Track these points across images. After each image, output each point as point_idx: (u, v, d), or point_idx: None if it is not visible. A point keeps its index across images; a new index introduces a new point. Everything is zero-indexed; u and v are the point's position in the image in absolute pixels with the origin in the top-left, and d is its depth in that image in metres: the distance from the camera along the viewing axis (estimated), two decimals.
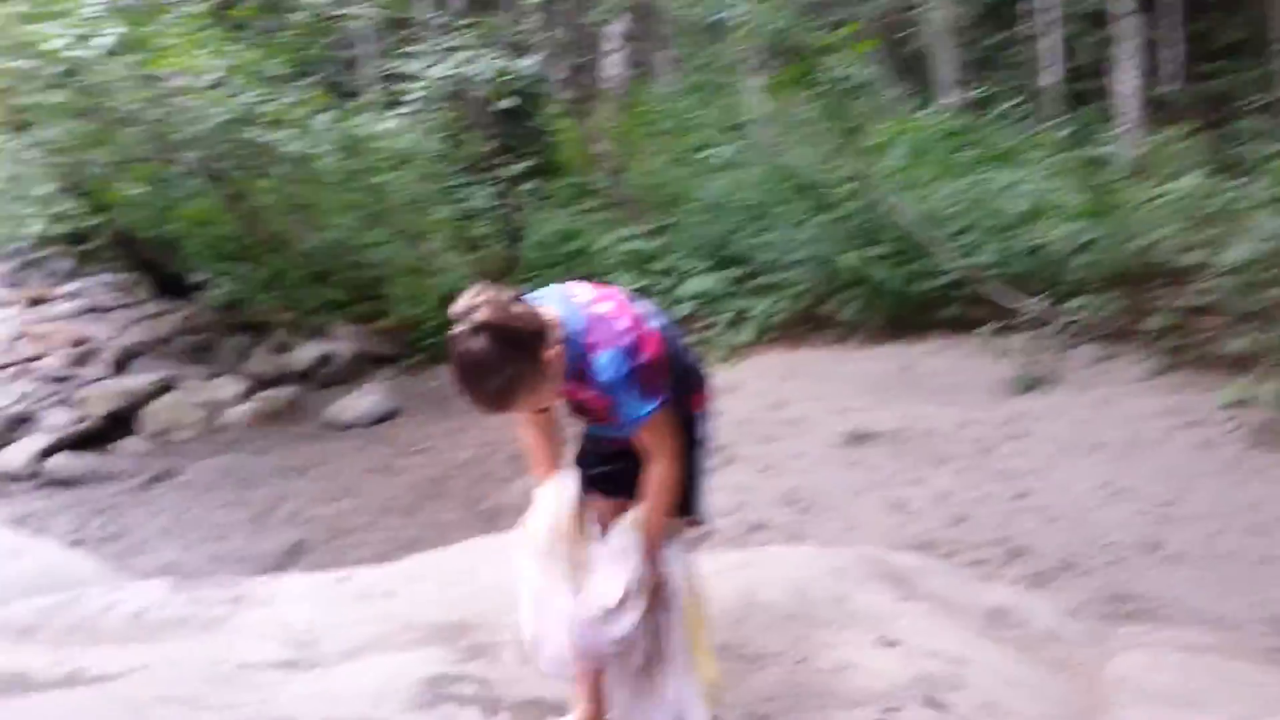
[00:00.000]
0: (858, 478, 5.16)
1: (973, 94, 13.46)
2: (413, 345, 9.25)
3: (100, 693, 2.44)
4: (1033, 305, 7.27)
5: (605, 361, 2.00)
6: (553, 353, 1.95)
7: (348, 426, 7.78)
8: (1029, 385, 6.54)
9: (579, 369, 2.02)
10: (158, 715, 2.29)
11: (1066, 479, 5.02)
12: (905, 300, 7.99)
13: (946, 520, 4.57)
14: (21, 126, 8.02)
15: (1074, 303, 7.21)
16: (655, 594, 2.15)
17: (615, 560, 2.13)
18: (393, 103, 9.81)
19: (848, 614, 2.84)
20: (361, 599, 3.33)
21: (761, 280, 8.52)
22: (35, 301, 12.31)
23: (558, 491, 2.24)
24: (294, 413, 8.26)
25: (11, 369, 9.79)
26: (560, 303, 2.06)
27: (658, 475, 2.12)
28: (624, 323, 2.05)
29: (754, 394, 6.81)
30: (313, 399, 8.62)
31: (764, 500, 4.98)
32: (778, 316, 8.00)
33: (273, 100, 8.19)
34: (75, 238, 11.40)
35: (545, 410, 2.22)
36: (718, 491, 5.20)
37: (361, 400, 7.98)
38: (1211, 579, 3.90)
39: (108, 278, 13.60)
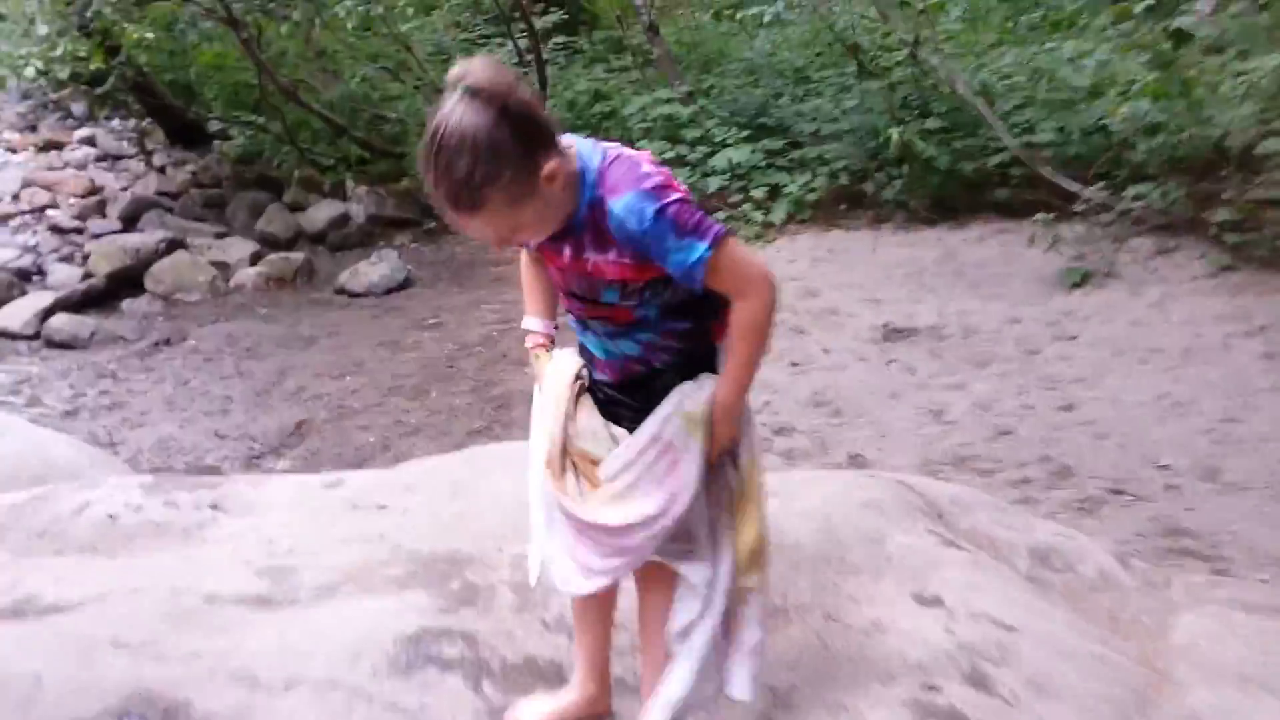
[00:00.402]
0: (892, 379, 4.83)
1: None
2: (430, 209, 8.86)
3: (49, 629, 2.20)
4: (1090, 191, 6.75)
5: (625, 206, 1.50)
6: (554, 165, 1.49)
7: (359, 295, 7.49)
8: (1080, 279, 6.09)
9: (592, 219, 1.56)
10: (106, 663, 2.05)
11: (1117, 389, 4.66)
12: (952, 180, 7.49)
13: (987, 432, 4.25)
14: None
15: (1135, 189, 6.68)
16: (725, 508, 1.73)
17: (656, 469, 1.67)
18: None
19: (883, 559, 2.55)
20: (350, 510, 3.06)
21: (799, 153, 8.00)
22: (47, 146, 11.94)
23: (557, 373, 1.79)
24: (305, 278, 7.98)
25: (19, 218, 9.52)
26: (579, 141, 1.61)
27: (747, 320, 1.61)
28: (650, 167, 1.56)
29: (784, 279, 6.37)
30: (325, 263, 8.33)
31: (791, 401, 4.67)
32: (814, 193, 7.52)
33: None
34: (91, 80, 10.91)
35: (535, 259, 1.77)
36: None
37: (375, 268, 7.66)
38: (1277, 514, 3.58)
39: (121, 124, 13.20)
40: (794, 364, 5.07)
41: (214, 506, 3.07)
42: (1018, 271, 6.28)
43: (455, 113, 1.43)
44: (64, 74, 9.24)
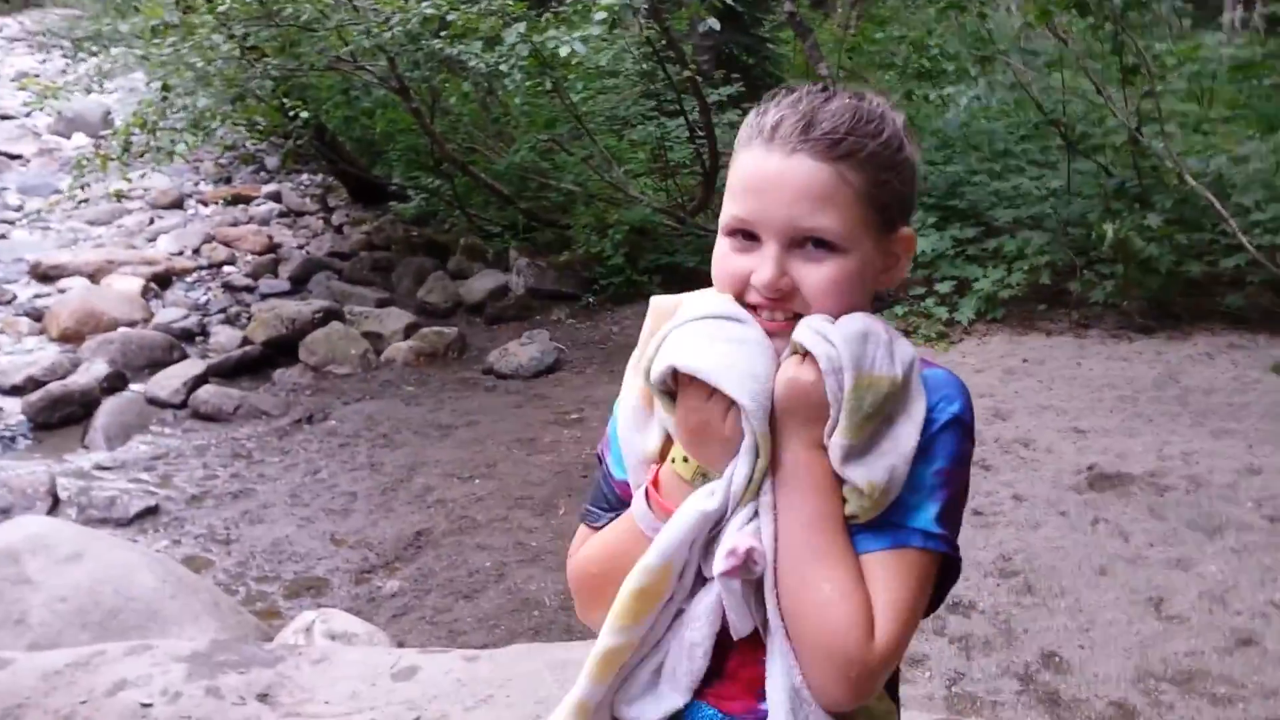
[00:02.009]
0: (1099, 545, 3.99)
1: (1263, 10, 11.24)
2: (590, 284, 8.49)
3: None
4: None
5: (938, 378, 1.15)
6: (909, 233, 1.20)
7: (507, 376, 7.13)
8: None
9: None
10: None
11: None
12: (1174, 282, 6.51)
13: (1222, 638, 3.37)
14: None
15: None
16: None
17: None
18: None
19: None
20: (411, 710, 2.57)
21: (994, 242, 7.17)
22: (235, 200, 12.33)
23: None
24: (456, 353, 7.70)
25: (196, 274, 9.72)
26: None
27: (849, 626, 1.06)
28: None
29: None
30: (479, 336, 8.05)
31: (972, 564, 3.90)
32: (1009, 290, 6.67)
33: (465, 6, 7.39)
34: (285, 135, 11.20)
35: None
36: None
37: (525, 349, 7.29)
38: None
39: (309, 179, 13.56)
40: (977, 513, 4.29)
41: (262, 697, 2.62)
42: (1256, 401, 5.28)
43: (875, 103, 1.19)
44: (270, 127, 9.37)
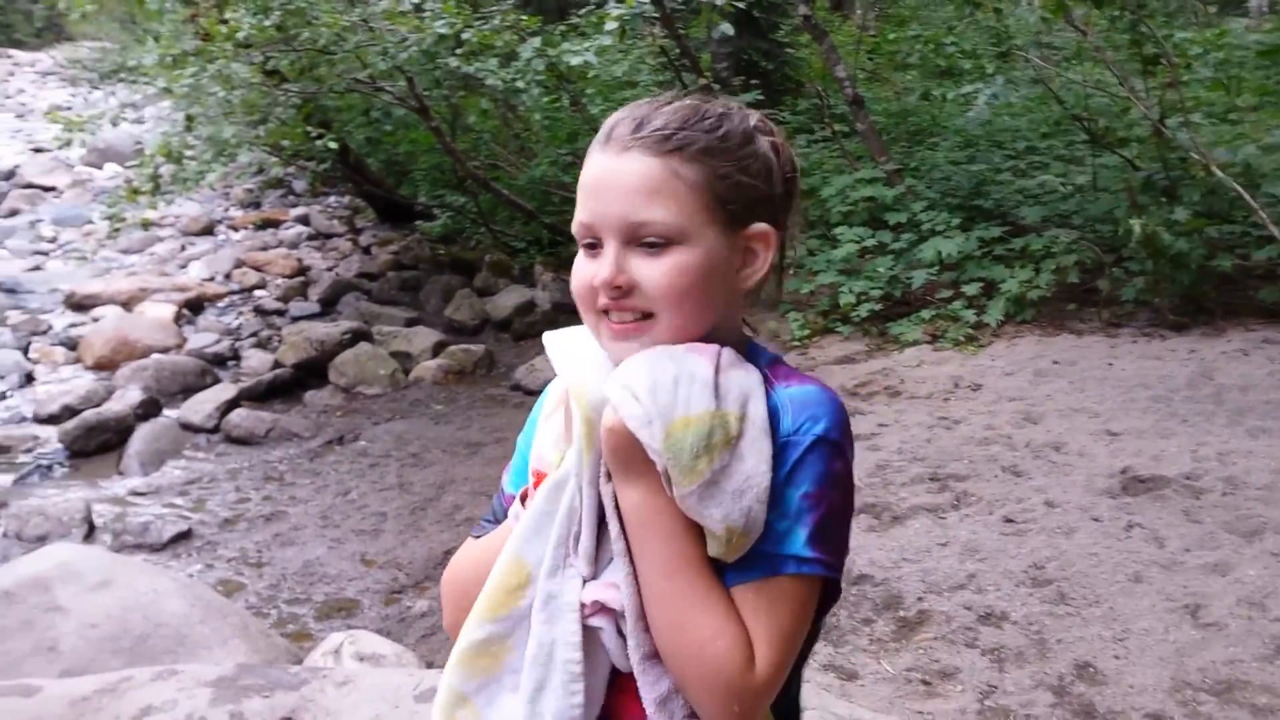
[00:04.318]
0: (1134, 551, 3.91)
1: None
2: None
3: None
4: None
5: (805, 396, 1.12)
6: (765, 229, 1.17)
7: (534, 392, 7.11)
8: None
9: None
10: None
11: None
12: (1206, 277, 6.40)
13: (1262, 645, 3.29)
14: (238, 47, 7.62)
15: None
16: None
17: None
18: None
19: None
20: None
21: (1020, 242, 7.09)
22: (264, 224, 12.47)
23: None
24: (484, 369, 7.74)
25: (228, 299, 9.84)
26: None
27: (727, 662, 1.06)
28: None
29: (997, 398, 5.57)
30: (506, 353, 8.08)
31: (1002, 573, 3.85)
32: (1037, 290, 6.58)
33: (479, 24, 7.43)
34: (310, 159, 11.31)
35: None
36: (943, 549, 4.14)
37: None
38: None
39: (336, 201, 13.69)
40: (1008, 520, 4.23)
41: None
42: None
43: (697, 101, 1.19)
44: (296, 150, 9.49)
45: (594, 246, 1.15)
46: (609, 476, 1.12)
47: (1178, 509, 4.18)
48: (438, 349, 7.96)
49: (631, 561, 1.10)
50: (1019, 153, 9.46)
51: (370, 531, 5.27)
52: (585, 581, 1.13)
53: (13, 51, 39.60)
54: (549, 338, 1.26)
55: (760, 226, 1.16)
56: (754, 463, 1.07)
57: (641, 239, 1.11)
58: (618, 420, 1.08)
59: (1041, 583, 3.77)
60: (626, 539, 1.11)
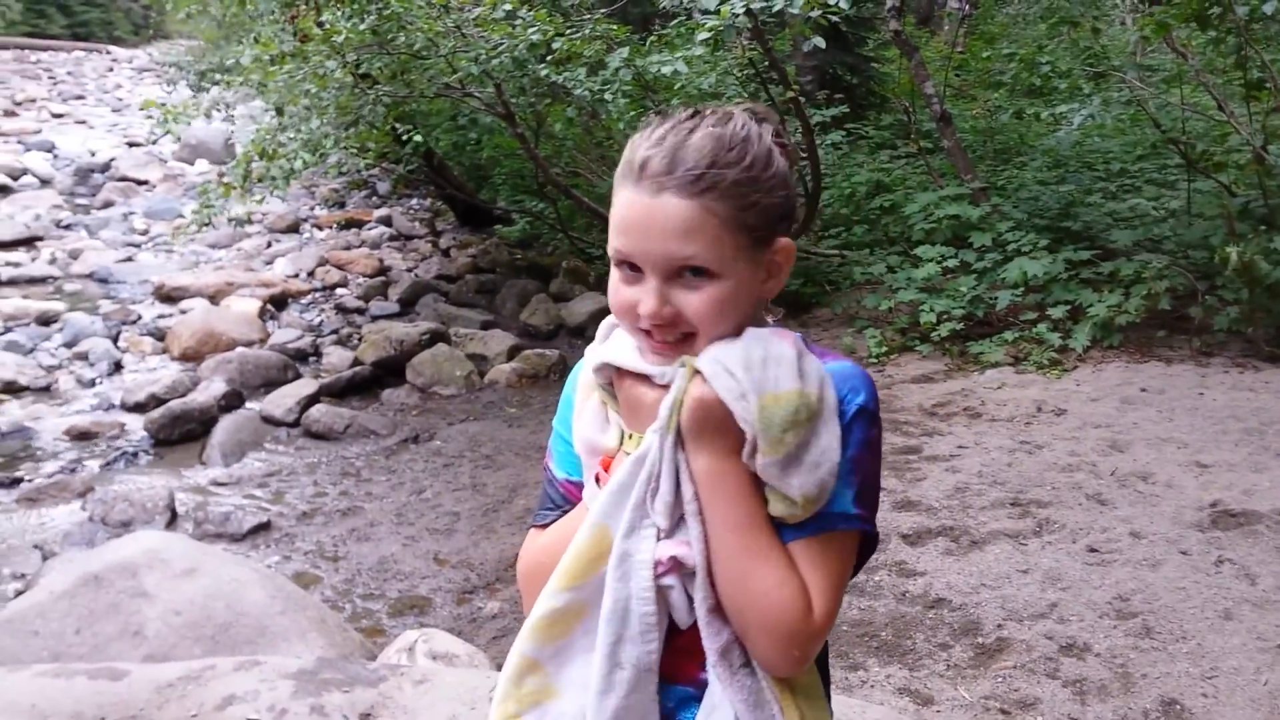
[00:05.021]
0: (1223, 587, 3.79)
1: None
2: None
3: None
4: None
5: (843, 371, 1.26)
6: (787, 243, 1.27)
7: None
8: None
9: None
10: None
11: None
12: None
13: None
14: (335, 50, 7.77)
15: None
16: None
17: None
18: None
19: None
20: None
21: (1109, 265, 6.92)
22: (348, 224, 12.71)
23: None
24: (558, 374, 7.77)
25: (311, 296, 10.04)
26: None
27: (790, 608, 1.18)
28: None
29: (1082, 424, 5.44)
30: (579, 359, 8.10)
31: (1086, 604, 3.75)
32: (1126, 315, 6.42)
33: (570, 33, 7.49)
34: (396, 161, 11.52)
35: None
36: (1024, 576, 4.05)
37: None
38: None
39: (418, 204, 13.91)
40: (1092, 549, 4.13)
41: (365, 717, 2.66)
42: None
43: (723, 120, 1.24)
44: (384, 151, 9.68)
45: (633, 269, 1.23)
46: (682, 445, 1.21)
47: (1270, 545, 4.04)
48: (512, 353, 8.03)
49: (702, 521, 1.20)
50: (1110, 175, 9.25)
51: (444, 531, 5.32)
52: (660, 538, 1.22)
53: (112, 48, 41.10)
54: (603, 332, 1.39)
55: (783, 242, 1.26)
56: (829, 439, 1.19)
57: (681, 273, 1.21)
58: (710, 391, 1.18)
59: (1126, 615, 3.67)
60: (699, 501, 1.21)
